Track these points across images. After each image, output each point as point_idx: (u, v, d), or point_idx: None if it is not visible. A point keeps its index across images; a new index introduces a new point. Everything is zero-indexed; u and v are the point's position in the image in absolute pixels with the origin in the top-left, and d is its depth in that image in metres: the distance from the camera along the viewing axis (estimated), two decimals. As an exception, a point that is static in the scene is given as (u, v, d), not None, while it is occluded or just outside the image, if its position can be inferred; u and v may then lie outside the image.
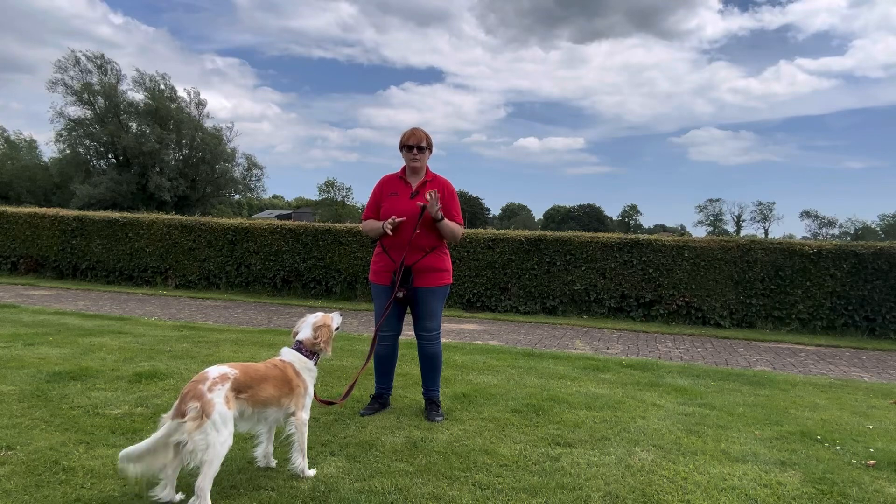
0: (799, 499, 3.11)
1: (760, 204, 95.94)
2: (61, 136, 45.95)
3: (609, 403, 4.67)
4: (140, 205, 37.63)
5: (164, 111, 46.88)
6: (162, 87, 47.81)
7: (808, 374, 6.38)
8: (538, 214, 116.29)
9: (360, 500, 2.88)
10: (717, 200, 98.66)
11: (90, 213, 13.21)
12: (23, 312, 8.16)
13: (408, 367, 5.40)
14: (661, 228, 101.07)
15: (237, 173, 52.90)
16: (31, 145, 56.11)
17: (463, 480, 3.15)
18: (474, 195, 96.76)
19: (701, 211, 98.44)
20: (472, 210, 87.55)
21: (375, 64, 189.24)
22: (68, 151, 47.10)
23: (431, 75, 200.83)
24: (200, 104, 50.47)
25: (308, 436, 3.22)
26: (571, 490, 3.08)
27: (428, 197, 3.98)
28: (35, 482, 2.91)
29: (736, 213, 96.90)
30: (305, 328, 3.31)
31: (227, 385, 2.75)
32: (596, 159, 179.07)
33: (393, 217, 4.02)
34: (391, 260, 4.13)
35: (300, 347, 3.25)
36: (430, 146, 4.22)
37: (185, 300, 10.71)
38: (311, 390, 3.23)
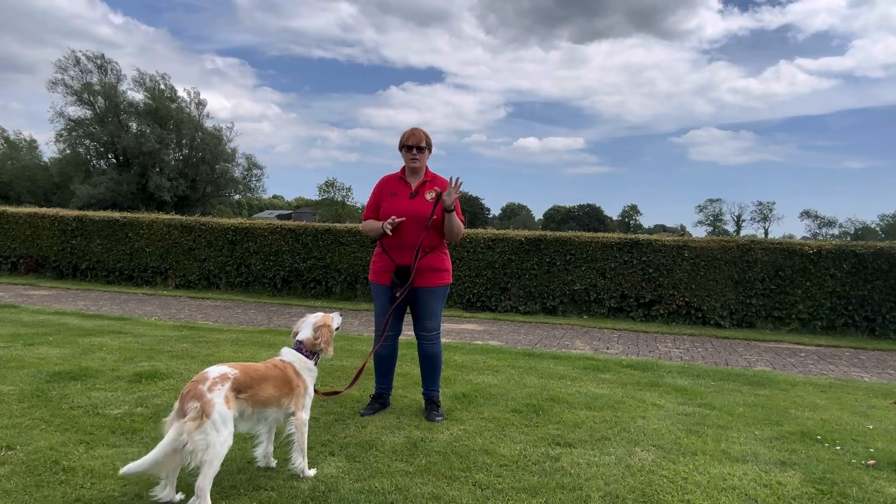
0: (799, 499, 3.11)
1: (760, 204, 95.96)
2: (61, 136, 45.98)
3: (609, 403, 4.67)
4: (140, 205, 37.58)
5: (164, 111, 46.87)
6: (162, 87, 47.85)
7: (808, 374, 6.38)
8: (538, 214, 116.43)
9: (360, 500, 2.88)
10: (717, 200, 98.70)
11: (90, 213, 13.21)
12: (23, 312, 8.16)
13: (408, 367, 5.40)
14: (661, 228, 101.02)
15: (237, 173, 52.92)
16: (31, 145, 56.16)
17: (463, 480, 3.15)
18: (474, 195, 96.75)
19: (701, 211, 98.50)
20: (472, 210, 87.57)
21: (375, 64, 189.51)
22: (68, 151, 47.10)
23: (431, 75, 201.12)
24: (200, 104, 50.52)
25: (308, 436, 3.22)
26: (571, 490, 3.08)
27: (451, 181, 4.01)
28: (35, 482, 2.91)
29: (736, 213, 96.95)
30: (305, 328, 3.31)
31: (227, 385, 2.75)
32: (596, 159, 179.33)
33: (393, 217, 4.02)
34: (391, 260, 4.13)
35: (300, 347, 3.25)
36: (429, 146, 4.22)
37: (185, 300, 10.71)
38: (311, 390, 3.23)
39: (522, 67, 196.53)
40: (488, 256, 10.76)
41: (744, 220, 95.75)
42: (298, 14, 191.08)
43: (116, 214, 13.05)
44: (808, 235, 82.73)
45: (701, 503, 3.02)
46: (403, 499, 2.92)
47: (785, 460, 3.63)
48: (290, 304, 10.69)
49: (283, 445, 3.21)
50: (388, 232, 4.02)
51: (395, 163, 4.39)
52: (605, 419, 4.28)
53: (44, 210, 13.73)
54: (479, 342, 7.48)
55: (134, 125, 47.66)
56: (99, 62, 46.01)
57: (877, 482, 3.35)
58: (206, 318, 8.71)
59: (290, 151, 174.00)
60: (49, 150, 59.08)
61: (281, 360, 3.18)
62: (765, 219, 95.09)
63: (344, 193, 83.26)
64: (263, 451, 3.21)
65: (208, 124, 50.88)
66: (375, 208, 4.25)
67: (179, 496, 2.76)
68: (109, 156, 48.28)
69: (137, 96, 47.50)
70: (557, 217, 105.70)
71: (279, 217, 50.66)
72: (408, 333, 4.50)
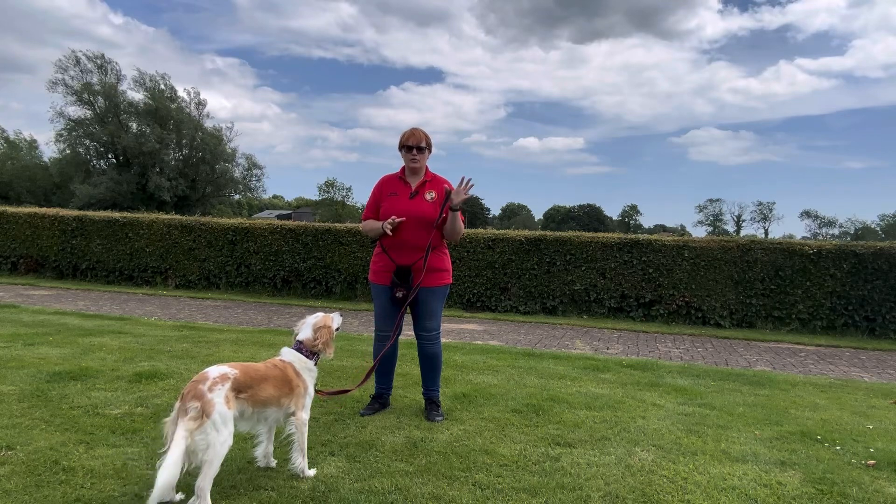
0: (799, 499, 3.11)
1: (760, 204, 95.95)
2: (61, 136, 45.98)
3: (609, 403, 4.67)
4: (140, 205, 37.62)
5: (164, 111, 46.87)
6: (162, 87, 47.85)
7: (808, 374, 6.38)
8: (538, 214, 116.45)
9: (360, 500, 2.88)
10: (717, 200, 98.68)
11: (90, 213, 13.21)
12: (23, 312, 8.17)
13: (408, 367, 5.40)
14: (661, 228, 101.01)
15: (237, 173, 52.92)
16: (31, 145, 56.14)
17: (463, 480, 3.15)
18: (474, 195, 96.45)
19: (701, 211, 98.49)
20: (472, 210, 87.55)
21: (375, 64, 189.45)
22: (68, 151, 47.10)
23: (431, 75, 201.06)
24: (200, 104, 50.51)
25: (308, 436, 3.22)
26: (571, 490, 3.08)
27: (462, 182, 4.02)
28: (35, 482, 2.91)
29: (736, 213, 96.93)
30: (305, 328, 3.31)
31: (228, 385, 2.75)
32: (596, 159, 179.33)
33: (392, 217, 4.03)
34: (391, 260, 4.13)
35: (300, 347, 3.26)
36: (429, 146, 4.22)
37: (185, 300, 10.71)
38: (311, 390, 3.23)
39: (522, 67, 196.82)
40: (488, 256, 10.76)
41: (744, 220, 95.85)
42: (298, 14, 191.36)
43: (116, 214, 13.05)
44: (808, 235, 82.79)
45: (701, 503, 3.02)
46: (403, 499, 2.92)
47: (785, 460, 3.63)
48: (290, 304, 10.70)
49: (283, 445, 3.21)
50: (388, 232, 4.02)
51: (395, 163, 4.38)
52: (605, 419, 4.28)
53: (44, 210, 13.73)
54: (479, 342, 7.48)
55: (134, 125, 47.67)
56: (99, 62, 46.06)
57: (877, 482, 3.35)
58: (206, 318, 8.71)
59: (290, 151, 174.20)
60: (49, 150, 59.05)
61: (281, 360, 3.18)
62: (765, 219, 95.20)
63: (344, 193, 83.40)
64: (263, 451, 3.21)
65: (208, 124, 50.96)
66: (375, 208, 4.25)
67: (179, 496, 2.76)
68: (109, 156, 48.29)
69: (137, 96, 47.59)
70: (557, 217, 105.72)
71: (279, 217, 50.64)
72: (408, 333, 4.50)
